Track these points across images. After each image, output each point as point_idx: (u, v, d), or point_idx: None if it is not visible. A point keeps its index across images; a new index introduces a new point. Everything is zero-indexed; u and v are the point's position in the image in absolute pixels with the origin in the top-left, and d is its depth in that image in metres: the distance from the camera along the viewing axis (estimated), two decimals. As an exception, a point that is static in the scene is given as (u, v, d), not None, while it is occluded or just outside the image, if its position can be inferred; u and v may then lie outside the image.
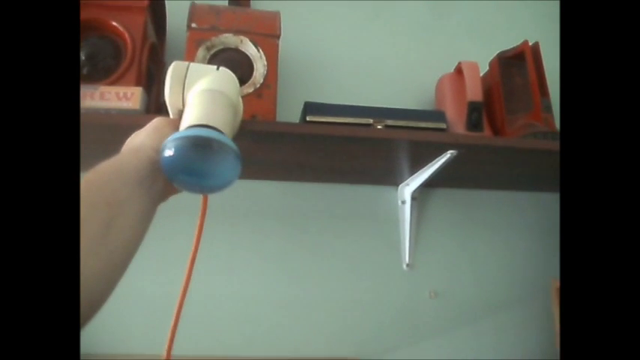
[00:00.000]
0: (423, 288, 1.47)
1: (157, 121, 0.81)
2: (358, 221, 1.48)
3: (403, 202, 1.48)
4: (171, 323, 0.78)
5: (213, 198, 1.39)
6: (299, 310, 1.40)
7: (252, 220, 1.44)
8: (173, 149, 0.70)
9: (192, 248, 0.80)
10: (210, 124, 0.76)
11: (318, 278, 1.43)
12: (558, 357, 1.36)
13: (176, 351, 1.24)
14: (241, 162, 0.76)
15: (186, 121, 0.78)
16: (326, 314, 1.41)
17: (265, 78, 1.23)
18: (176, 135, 0.72)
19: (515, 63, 1.45)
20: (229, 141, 0.74)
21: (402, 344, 1.43)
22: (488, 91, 1.44)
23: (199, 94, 0.83)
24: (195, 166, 0.72)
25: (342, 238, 1.46)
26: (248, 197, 1.45)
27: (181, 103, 0.86)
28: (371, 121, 1.22)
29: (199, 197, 0.82)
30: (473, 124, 1.30)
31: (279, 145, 1.20)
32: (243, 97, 1.19)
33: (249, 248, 1.42)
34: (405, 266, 1.46)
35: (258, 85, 1.22)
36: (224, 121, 0.80)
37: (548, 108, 1.40)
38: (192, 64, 0.87)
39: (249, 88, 1.22)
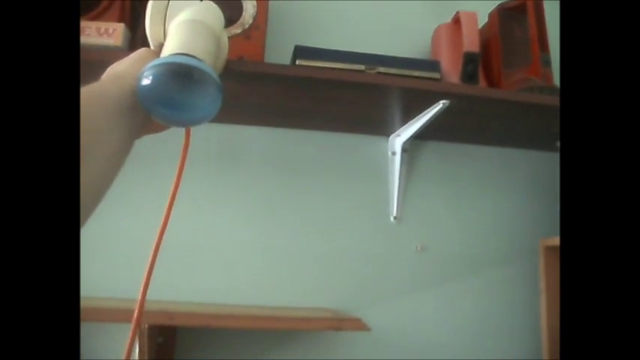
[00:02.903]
0: (409, 242, 1.45)
1: (142, 51, 0.77)
2: (347, 171, 1.45)
3: (393, 154, 1.45)
4: (147, 266, 0.75)
5: (198, 142, 1.37)
6: (281, 258, 1.39)
7: (238, 166, 1.41)
8: (150, 77, 0.66)
9: (173, 184, 0.77)
10: (191, 53, 0.72)
11: (303, 227, 1.42)
12: (542, 316, 1.36)
13: (153, 295, 1.23)
14: (222, 94, 0.72)
15: (166, 50, 0.74)
16: (309, 264, 1.40)
17: (254, 19, 1.20)
18: (154, 62, 0.68)
19: (516, 15, 1.40)
20: (211, 70, 0.70)
21: (385, 297, 1.42)
22: (486, 44, 1.40)
23: (181, 23, 0.79)
24: (174, 97, 0.69)
25: (329, 188, 1.44)
26: (234, 142, 1.42)
27: (162, 36, 0.82)
28: (363, 67, 1.18)
29: (183, 136, 0.78)
30: (468, 76, 1.26)
31: (266, 88, 1.17)
32: (230, 37, 1.15)
33: (233, 194, 1.40)
34: (392, 219, 1.44)
35: (246, 26, 1.18)
36: (206, 52, 0.76)
37: (547, 63, 1.36)
38: None
39: (237, 29, 1.18)
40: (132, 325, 0.70)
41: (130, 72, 0.69)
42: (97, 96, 0.62)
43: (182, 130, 0.79)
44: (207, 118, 0.74)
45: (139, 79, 0.67)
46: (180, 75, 0.68)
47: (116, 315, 1.05)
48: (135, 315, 0.70)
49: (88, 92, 0.60)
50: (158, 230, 0.76)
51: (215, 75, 0.71)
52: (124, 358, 0.71)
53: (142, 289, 0.74)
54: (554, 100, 1.21)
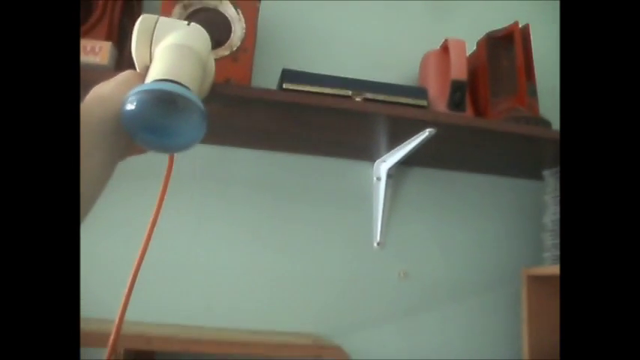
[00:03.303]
0: (392, 268, 1.44)
1: (127, 74, 0.77)
2: (331, 195, 1.45)
3: (378, 179, 1.45)
4: (127, 286, 0.74)
5: (183, 163, 1.36)
6: (263, 281, 1.38)
7: (222, 188, 1.40)
8: (135, 103, 0.66)
9: (155, 209, 0.76)
10: (176, 79, 0.72)
11: (286, 251, 1.41)
12: (523, 345, 1.35)
13: (132, 316, 1.22)
14: (207, 122, 0.72)
15: (151, 75, 0.74)
16: (292, 288, 1.39)
17: (243, 41, 1.19)
18: (139, 88, 0.67)
19: (504, 44, 1.41)
20: (195, 98, 0.70)
21: (366, 324, 1.41)
22: (473, 72, 1.40)
23: (167, 48, 0.79)
24: (157, 123, 0.68)
25: (313, 212, 1.43)
26: (219, 164, 1.41)
27: (149, 58, 0.82)
28: (350, 93, 1.18)
29: (167, 159, 0.78)
30: (455, 104, 1.26)
31: (253, 111, 1.17)
32: (218, 59, 1.15)
33: (217, 216, 1.39)
34: (375, 244, 1.43)
35: (234, 49, 1.18)
36: (191, 78, 0.76)
37: (534, 92, 1.37)
38: (161, 17, 0.83)
39: (225, 51, 1.17)
40: (107, 351, 0.69)
41: (115, 95, 0.69)
42: (80, 117, 0.62)
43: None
44: (190, 145, 0.74)
45: (124, 104, 0.66)
46: (165, 102, 0.68)
47: (91, 339, 1.03)
48: (111, 340, 0.69)
49: None
50: (139, 252, 0.75)
51: (200, 103, 0.70)
52: None
53: (119, 313, 0.72)
54: (539, 131, 1.22)
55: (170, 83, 0.70)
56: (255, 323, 1.35)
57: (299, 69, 1.20)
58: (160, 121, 0.69)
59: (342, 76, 1.20)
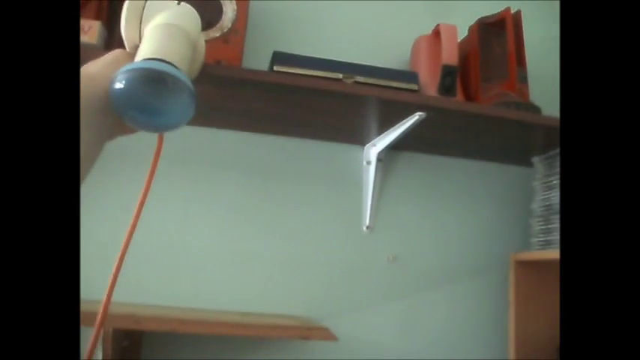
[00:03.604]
0: (381, 251, 1.45)
1: (116, 53, 0.76)
2: (321, 179, 1.45)
3: (368, 163, 1.45)
4: (114, 267, 0.73)
5: (172, 144, 1.35)
6: (252, 263, 1.38)
7: (211, 170, 1.40)
8: (124, 82, 0.66)
9: (143, 189, 0.75)
10: (166, 58, 0.72)
11: (275, 233, 1.41)
12: (510, 329, 1.36)
13: (121, 297, 1.22)
14: (196, 102, 0.72)
15: (141, 54, 0.74)
16: (280, 270, 1.39)
17: (234, 23, 1.19)
18: (127, 67, 0.67)
19: (495, 30, 1.41)
20: (185, 77, 0.70)
21: (355, 307, 1.41)
22: (464, 57, 1.40)
23: (157, 27, 0.78)
24: (146, 102, 0.68)
25: (302, 195, 1.43)
26: (208, 146, 1.40)
27: (138, 38, 0.81)
28: (340, 76, 1.17)
29: (155, 139, 0.77)
30: (445, 89, 1.26)
31: (243, 93, 1.17)
32: (208, 40, 1.14)
33: (206, 199, 1.38)
34: (364, 228, 1.44)
35: (225, 30, 1.18)
36: (180, 57, 0.75)
37: (524, 78, 1.38)
38: None
39: (215, 32, 1.17)
40: (94, 329, 0.69)
41: (103, 74, 0.68)
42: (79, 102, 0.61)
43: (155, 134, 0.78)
44: (179, 124, 0.73)
45: (112, 82, 0.66)
46: (154, 81, 0.68)
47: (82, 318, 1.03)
48: (98, 319, 0.69)
49: None
50: (126, 233, 0.75)
51: (189, 82, 0.70)
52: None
53: (107, 292, 0.72)
54: (530, 116, 1.22)
55: (159, 62, 0.70)
56: (243, 306, 1.35)
57: (290, 51, 1.19)
58: (149, 100, 0.68)
59: (333, 59, 1.20)
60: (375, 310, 1.42)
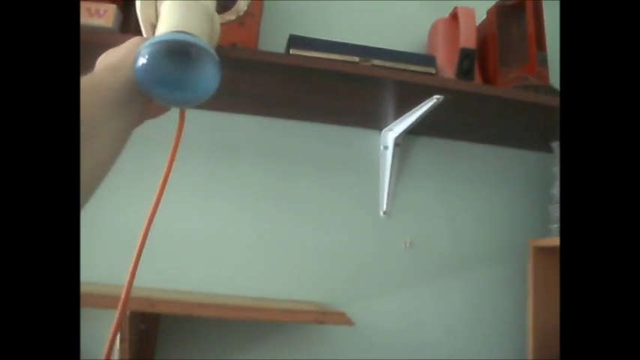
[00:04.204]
0: (398, 237, 1.44)
1: (135, 40, 0.75)
2: (338, 163, 1.44)
3: (385, 148, 1.44)
4: (135, 252, 0.73)
5: (189, 130, 1.35)
6: (269, 249, 1.38)
7: (228, 155, 1.40)
8: (147, 56, 0.65)
9: (165, 169, 0.74)
10: (187, 30, 0.71)
11: (292, 219, 1.40)
12: (528, 316, 1.35)
13: (138, 282, 1.22)
14: (221, 70, 0.71)
15: (160, 30, 0.73)
16: (297, 256, 1.39)
17: (249, 6, 1.18)
18: (150, 41, 0.66)
19: (514, 13, 1.39)
20: (208, 47, 0.69)
21: (372, 292, 1.41)
22: (483, 41, 1.39)
23: (173, 2, 0.77)
24: (172, 75, 0.67)
25: (319, 180, 1.43)
26: (226, 130, 1.40)
27: (155, 16, 0.81)
28: (357, 59, 1.16)
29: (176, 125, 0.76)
30: (463, 72, 1.25)
31: (259, 76, 1.16)
32: (224, 24, 1.14)
33: (223, 183, 1.39)
34: (382, 213, 1.43)
35: (241, 13, 1.17)
36: (201, 30, 0.75)
37: (544, 62, 1.35)
38: None
39: (231, 15, 1.16)
40: (117, 312, 0.69)
41: (125, 62, 0.67)
42: (92, 88, 0.61)
43: (175, 116, 0.77)
44: (207, 95, 0.72)
45: (136, 59, 0.65)
46: (178, 52, 0.67)
47: (101, 301, 1.03)
48: (121, 302, 0.69)
49: (83, 84, 0.58)
50: (147, 216, 0.74)
51: (213, 51, 0.69)
52: (108, 343, 0.69)
53: (129, 276, 0.72)
54: (550, 100, 1.20)
55: (181, 34, 0.69)
56: (260, 291, 1.35)
57: (306, 35, 1.18)
58: (175, 72, 0.67)
59: (350, 42, 1.19)
60: (392, 296, 1.42)
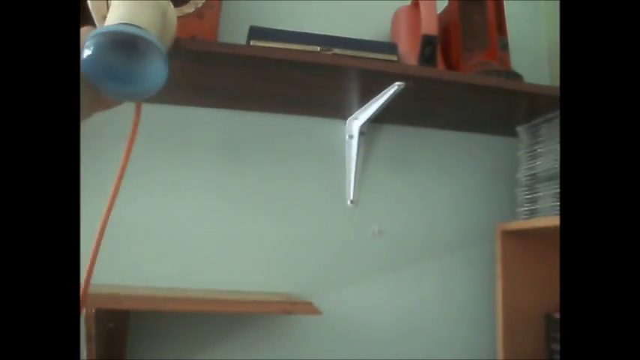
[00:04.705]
0: (366, 225, 1.44)
1: (84, 30, 0.74)
2: (303, 154, 1.44)
3: (350, 137, 1.44)
4: (92, 249, 0.72)
5: (150, 124, 1.34)
6: (235, 242, 1.37)
7: (190, 149, 1.38)
8: (92, 47, 0.64)
9: (122, 163, 0.74)
10: (134, 22, 0.70)
11: (258, 211, 1.40)
12: (497, 301, 1.36)
13: (104, 279, 1.21)
14: (168, 65, 0.70)
15: (109, 21, 0.72)
16: (264, 248, 1.38)
17: (208, -2, 1.16)
18: (95, 32, 0.65)
19: (475, 1, 1.39)
20: (156, 40, 0.68)
21: (341, 282, 1.41)
22: (445, 27, 1.39)
23: None
24: (118, 68, 0.67)
25: (284, 171, 1.42)
26: (187, 125, 1.39)
27: (106, 8, 0.79)
28: (318, 49, 1.16)
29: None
30: (426, 59, 1.25)
31: (220, 68, 1.15)
32: (183, 16, 1.13)
33: (187, 178, 1.37)
34: (349, 202, 1.43)
35: (199, 5, 1.16)
36: (150, 23, 0.74)
37: (505, 47, 1.37)
38: None
39: (189, 8, 1.15)
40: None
41: None
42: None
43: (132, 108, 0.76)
44: (153, 89, 0.72)
45: (82, 51, 0.64)
46: (124, 44, 0.66)
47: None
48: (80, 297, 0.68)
49: None
50: (104, 211, 0.73)
51: (160, 44, 0.69)
52: None
53: (86, 272, 0.71)
54: (511, 84, 1.21)
55: (128, 26, 0.68)
56: (228, 284, 1.34)
57: (267, 26, 1.18)
58: (121, 65, 0.67)
59: (311, 32, 1.18)
60: (362, 284, 1.42)
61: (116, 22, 0.70)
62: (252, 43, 1.14)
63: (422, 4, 1.25)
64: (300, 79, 1.19)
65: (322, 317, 1.33)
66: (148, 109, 1.31)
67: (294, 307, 1.09)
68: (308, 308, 1.08)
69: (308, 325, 1.37)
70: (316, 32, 1.18)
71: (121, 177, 0.74)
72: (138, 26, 0.69)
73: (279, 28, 1.17)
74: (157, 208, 1.35)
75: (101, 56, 0.65)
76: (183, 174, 1.37)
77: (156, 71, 0.70)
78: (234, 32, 1.31)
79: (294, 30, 1.18)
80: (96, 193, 1.15)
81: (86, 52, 0.64)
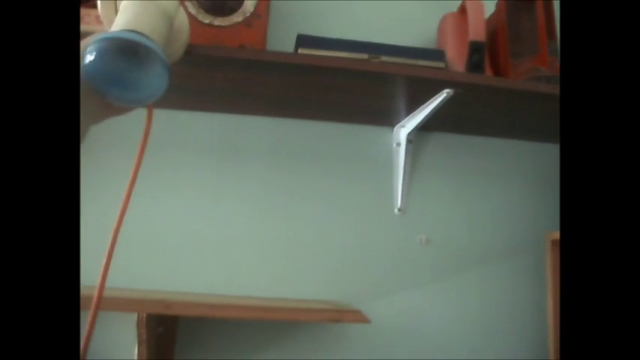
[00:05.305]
0: (413, 234, 1.43)
1: (88, 38, 0.76)
2: (350, 162, 1.44)
3: (398, 145, 1.43)
4: (106, 254, 0.73)
5: (200, 132, 1.36)
6: (283, 249, 1.38)
7: (239, 156, 1.40)
8: (94, 53, 0.66)
9: (134, 168, 0.75)
10: (137, 29, 0.71)
11: (306, 219, 1.40)
12: (548, 311, 1.33)
13: (153, 286, 1.23)
14: (169, 72, 0.72)
15: (113, 28, 0.74)
16: (312, 256, 1.39)
17: (256, 7, 1.18)
18: (96, 38, 0.67)
19: (524, 4, 1.38)
20: (156, 47, 0.69)
21: (388, 290, 1.40)
22: (493, 34, 1.37)
23: (130, 2, 0.78)
24: (119, 74, 0.68)
25: (332, 180, 1.43)
26: (236, 132, 1.40)
27: (114, 15, 0.81)
28: (366, 56, 1.16)
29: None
30: (474, 65, 1.24)
31: (268, 76, 1.16)
32: (231, 26, 1.14)
33: (235, 185, 1.39)
34: (396, 211, 1.42)
35: (247, 14, 1.17)
36: (154, 30, 0.75)
37: (555, 52, 1.34)
38: None
39: (238, 17, 1.16)
40: (91, 311, 0.69)
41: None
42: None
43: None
44: (154, 95, 0.73)
45: (84, 57, 0.66)
46: (125, 50, 0.68)
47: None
48: (93, 302, 0.70)
49: None
50: (118, 216, 0.75)
51: (161, 51, 0.70)
52: (83, 343, 0.70)
53: (100, 276, 0.72)
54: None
55: (130, 32, 0.70)
56: (276, 292, 1.35)
57: (314, 34, 1.18)
58: (123, 71, 0.68)
59: (358, 40, 1.18)
60: (409, 293, 1.41)
61: (119, 29, 0.71)
62: (299, 51, 1.14)
63: (469, 10, 1.25)
64: (347, 87, 1.19)
65: (369, 326, 1.33)
66: (194, 116, 1.34)
67: (343, 316, 1.09)
68: (357, 317, 1.08)
69: (355, 334, 1.36)
70: (363, 40, 1.18)
71: (133, 182, 0.76)
72: (140, 33, 0.70)
73: (327, 36, 1.18)
74: (205, 215, 1.36)
75: (102, 62, 0.66)
76: (233, 182, 1.39)
77: (155, 78, 0.71)
78: (282, 41, 1.33)
79: (342, 38, 1.18)
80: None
81: (87, 58, 0.66)
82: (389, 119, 1.41)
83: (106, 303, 1.03)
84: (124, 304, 1.03)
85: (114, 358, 1.25)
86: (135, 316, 1.06)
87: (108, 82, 0.68)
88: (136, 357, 1.10)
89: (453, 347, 1.40)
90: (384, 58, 1.17)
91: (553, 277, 1.34)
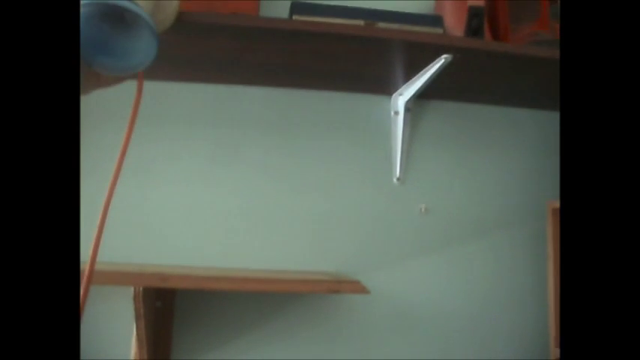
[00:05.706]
0: (413, 203, 1.42)
1: None
2: (348, 131, 1.42)
3: (396, 113, 1.41)
4: (96, 228, 0.72)
5: (195, 103, 1.34)
6: (281, 220, 1.37)
7: (235, 127, 1.38)
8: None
9: (124, 140, 0.73)
10: None
11: (303, 189, 1.39)
12: (549, 281, 1.32)
13: (150, 259, 1.22)
14: (157, 38, 0.69)
15: None
16: (310, 226, 1.38)
17: (249, -27, 1.15)
18: (81, 2, 0.64)
19: (524, -32, 1.34)
20: (143, 12, 0.67)
21: (387, 260, 1.39)
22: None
23: None
24: (104, 41, 0.66)
25: (329, 148, 1.41)
26: (231, 102, 1.38)
27: None
28: (362, 22, 1.14)
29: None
30: (473, 31, 1.21)
31: (262, 44, 1.13)
32: (224, -6, 1.11)
33: (231, 157, 1.37)
34: (395, 180, 1.41)
35: (240, -19, 1.14)
36: None
37: (557, 14, 1.31)
38: None
39: (230, -17, 1.13)
40: (83, 284, 0.68)
41: None
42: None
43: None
44: (142, 63, 0.71)
45: None
46: (110, 16, 0.65)
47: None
48: (85, 276, 0.68)
49: None
50: (108, 189, 0.72)
51: (148, 17, 0.67)
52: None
53: (92, 250, 0.71)
54: (563, 54, 1.16)
55: None
56: (274, 263, 1.35)
57: (309, 1, 1.16)
58: (108, 37, 0.66)
59: (354, 5, 1.16)
60: (408, 263, 1.40)
61: None
62: (294, 17, 1.12)
63: (468, -26, 1.22)
64: (344, 55, 1.17)
65: (368, 296, 1.32)
66: (188, 88, 1.32)
67: (341, 286, 1.08)
68: (355, 287, 1.07)
69: (354, 304, 1.36)
70: (359, 6, 1.16)
71: (123, 155, 0.73)
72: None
73: (320, 2, 1.15)
74: (201, 188, 1.35)
75: (87, 27, 0.64)
76: (228, 153, 1.37)
77: (144, 44, 0.68)
78: (275, 8, 1.30)
79: (337, 4, 1.16)
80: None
81: None
82: (387, 87, 1.38)
83: (99, 277, 1.02)
84: (118, 277, 1.02)
85: (113, 334, 1.25)
86: (132, 290, 1.05)
87: (93, 50, 0.66)
88: (134, 332, 1.09)
89: (453, 317, 1.39)
90: (381, 24, 1.15)
91: (553, 245, 1.33)
